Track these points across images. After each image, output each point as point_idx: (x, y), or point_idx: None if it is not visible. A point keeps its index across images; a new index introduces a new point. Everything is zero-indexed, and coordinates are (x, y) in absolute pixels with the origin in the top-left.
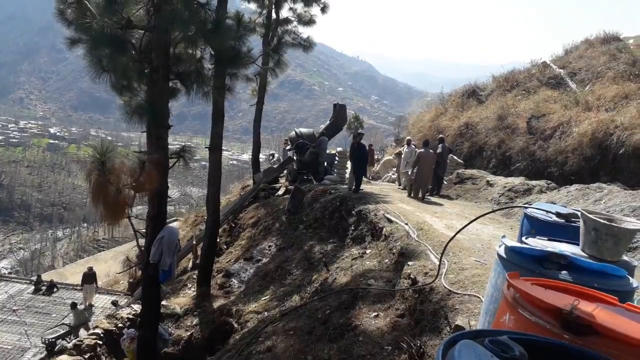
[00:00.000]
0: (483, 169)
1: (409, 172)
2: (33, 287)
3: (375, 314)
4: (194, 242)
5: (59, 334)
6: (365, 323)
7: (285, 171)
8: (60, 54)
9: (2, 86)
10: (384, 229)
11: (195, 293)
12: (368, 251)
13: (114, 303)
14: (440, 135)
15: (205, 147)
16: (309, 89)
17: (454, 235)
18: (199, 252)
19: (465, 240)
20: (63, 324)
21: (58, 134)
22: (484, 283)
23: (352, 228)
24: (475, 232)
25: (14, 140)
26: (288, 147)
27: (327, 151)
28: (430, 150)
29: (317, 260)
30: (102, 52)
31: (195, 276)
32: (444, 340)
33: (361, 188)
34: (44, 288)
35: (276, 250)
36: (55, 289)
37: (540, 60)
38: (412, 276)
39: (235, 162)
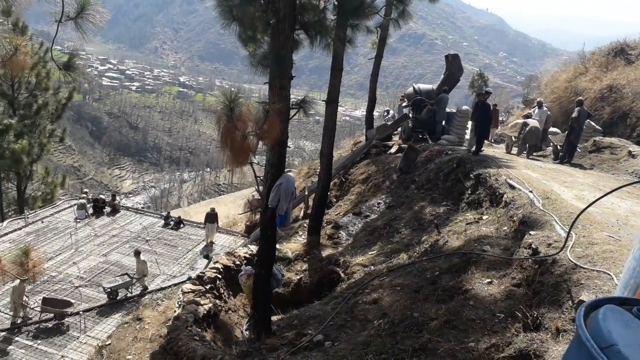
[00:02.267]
0: (625, 137)
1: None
2: (163, 222)
3: (489, 280)
4: (306, 193)
5: (119, 283)
6: (477, 288)
7: (399, 129)
8: (190, 5)
9: (140, 36)
10: (505, 195)
11: (305, 241)
12: (485, 217)
13: (206, 257)
14: (579, 98)
15: (322, 101)
16: (430, 43)
17: (588, 207)
18: (310, 203)
19: (598, 214)
20: (126, 274)
21: (187, 82)
22: (616, 260)
23: (469, 192)
24: (610, 206)
25: (149, 87)
26: (404, 104)
27: (447, 109)
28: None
29: (427, 221)
30: (233, 1)
31: (306, 225)
32: (585, 303)
33: (482, 150)
34: (172, 223)
35: (385, 207)
36: (181, 225)
37: None
38: (533, 246)
39: (347, 118)
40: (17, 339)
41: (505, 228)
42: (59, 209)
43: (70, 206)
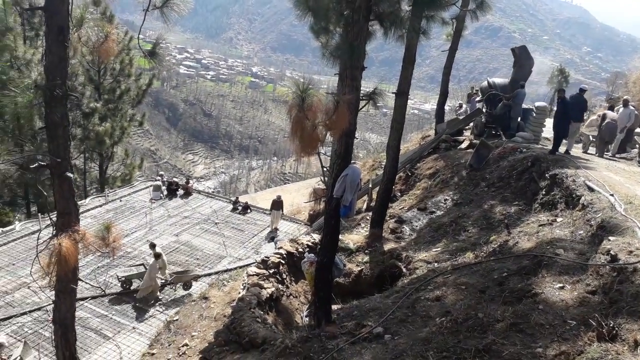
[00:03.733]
0: None
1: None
2: (231, 206)
3: (561, 285)
4: (370, 186)
5: (133, 272)
6: (548, 293)
7: (471, 124)
8: None
9: (216, 26)
10: (583, 198)
11: (367, 233)
12: (559, 219)
13: (273, 239)
14: (625, 97)
15: (392, 93)
16: (507, 36)
17: None
18: (374, 196)
19: None
20: (141, 264)
21: (258, 73)
22: None
23: (543, 192)
24: None
25: (223, 76)
26: (478, 99)
27: (523, 105)
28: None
29: (497, 221)
30: None
31: (368, 217)
32: None
33: (559, 150)
34: (239, 208)
35: (452, 204)
36: (248, 210)
37: None
38: (612, 253)
39: (416, 111)
40: (94, 308)
41: (581, 232)
42: (136, 189)
43: (147, 187)
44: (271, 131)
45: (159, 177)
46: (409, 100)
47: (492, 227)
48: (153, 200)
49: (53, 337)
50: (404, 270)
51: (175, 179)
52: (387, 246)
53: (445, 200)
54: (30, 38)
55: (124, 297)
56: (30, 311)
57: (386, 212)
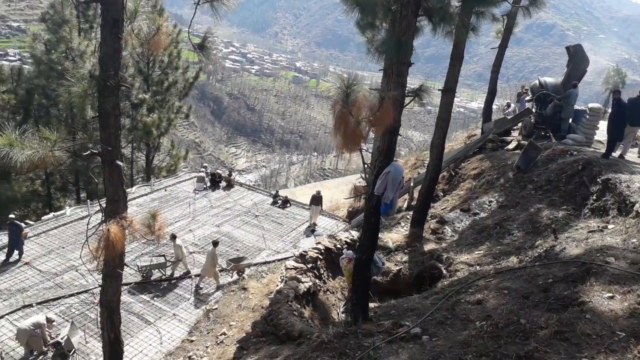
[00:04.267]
0: None
1: None
2: (271, 200)
3: (610, 294)
4: (412, 185)
5: (153, 263)
6: (596, 302)
7: (520, 124)
8: None
9: (262, 20)
10: (637, 204)
11: (407, 232)
12: (611, 226)
13: (313, 232)
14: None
15: (438, 90)
16: (560, 34)
17: None
18: (416, 195)
19: None
20: (162, 255)
21: (302, 68)
22: None
23: (594, 198)
24: None
25: (267, 70)
26: (527, 98)
27: (575, 106)
28: None
29: (543, 225)
30: None
31: (409, 217)
32: None
33: (613, 154)
34: (279, 202)
35: (497, 206)
36: (288, 205)
37: None
38: None
39: (462, 109)
40: (137, 294)
41: (635, 240)
42: (180, 180)
43: (190, 178)
44: (312, 126)
45: (203, 169)
46: (455, 98)
47: (538, 232)
48: (196, 191)
49: (99, 318)
50: (444, 271)
51: (218, 171)
52: (428, 247)
53: (490, 202)
54: (84, 30)
55: (165, 285)
56: (77, 293)
57: (428, 212)
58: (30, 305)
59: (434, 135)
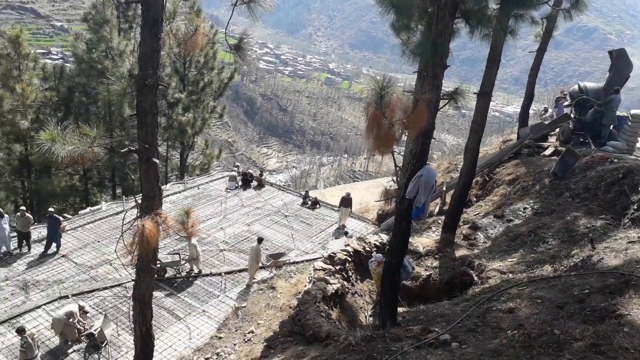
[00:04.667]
0: None
1: None
2: (301, 201)
3: None
4: (444, 189)
5: (167, 261)
6: (635, 315)
7: (557, 129)
8: None
9: (297, 22)
10: None
11: (438, 237)
12: None
13: (346, 234)
14: None
15: (474, 93)
16: (602, 38)
17: None
18: (448, 199)
19: None
20: (177, 253)
21: (335, 69)
22: None
23: (635, 207)
24: None
25: (300, 72)
26: (566, 103)
27: (617, 112)
28: None
29: (580, 234)
30: None
31: (440, 221)
32: None
33: None
34: (309, 203)
35: (532, 213)
36: (317, 206)
37: None
38: None
39: (497, 113)
40: (169, 289)
41: None
42: (213, 179)
43: (223, 177)
44: (343, 128)
45: (235, 168)
46: (490, 102)
47: (574, 241)
48: (228, 190)
49: (131, 312)
50: (476, 278)
51: (249, 171)
52: (459, 252)
53: (525, 208)
54: (124, 30)
55: (194, 281)
56: (111, 286)
57: (460, 217)
58: (66, 297)
59: (469, 139)
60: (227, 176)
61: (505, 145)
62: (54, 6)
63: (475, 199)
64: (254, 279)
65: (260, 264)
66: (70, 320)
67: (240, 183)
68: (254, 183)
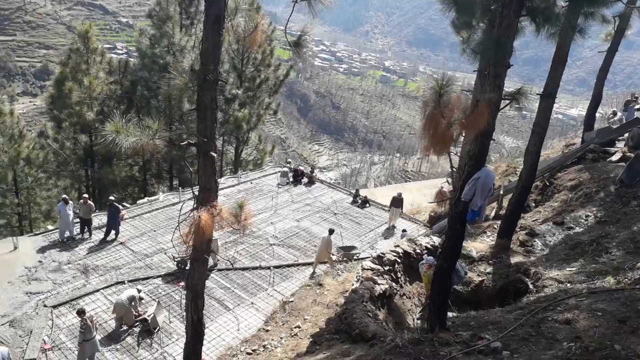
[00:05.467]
0: None
1: None
2: (351, 199)
3: None
4: (501, 192)
5: (188, 255)
6: None
7: (627, 134)
8: None
9: (354, 19)
10: None
11: (493, 242)
12: None
13: (404, 231)
14: None
15: (537, 94)
16: None
17: None
18: (505, 204)
19: None
20: None
21: (391, 67)
22: None
23: None
24: None
25: (355, 69)
26: (637, 107)
27: None
28: None
29: None
30: None
31: (496, 226)
32: None
33: None
34: (359, 201)
35: (594, 222)
36: (367, 205)
37: None
38: None
39: (560, 116)
40: (219, 280)
41: None
42: (265, 174)
43: (275, 172)
44: (397, 127)
45: (287, 164)
46: (554, 104)
47: None
48: (280, 185)
49: (184, 300)
50: (531, 286)
51: (300, 167)
52: (514, 259)
53: (587, 216)
54: (185, 26)
55: (246, 273)
56: (165, 275)
57: (517, 223)
58: (122, 282)
59: (529, 142)
60: (278, 172)
61: (568, 149)
62: (121, 3)
63: (533, 204)
64: (334, 266)
65: (332, 254)
66: (133, 303)
67: (291, 179)
68: (305, 180)
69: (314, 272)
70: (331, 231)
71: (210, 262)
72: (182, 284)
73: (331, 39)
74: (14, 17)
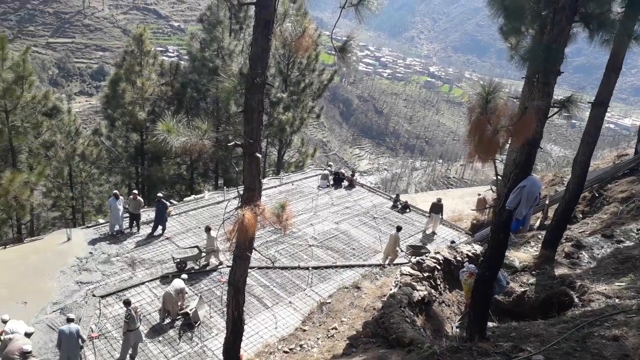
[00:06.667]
0: None
1: None
2: (391, 204)
3: None
4: (547, 202)
5: (187, 255)
6: None
7: None
8: None
9: (400, 24)
10: None
11: (537, 253)
12: None
13: (452, 242)
14: None
15: (588, 103)
16: None
17: None
18: (551, 214)
19: None
20: (196, 247)
21: (436, 73)
22: None
23: None
24: None
25: (399, 75)
26: None
27: None
28: None
29: None
30: None
31: (541, 236)
32: None
33: None
34: (399, 206)
35: None
36: (407, 210)
37: None
38: None
39: (612, 125)
40: (259, 278)
41: None
42: (307, 176)
43: (316, 175)
44: (440, 133)
45: (328, 167)
46: (606, 113)
47: None
48: (320, 188)
49: (225, 296)
50: (576, 300)
51: (341, 171)
52: (559, 271)
53: (639, 230)
54: (234, 31)
55: (285, 273)
56: (207, 270)
57: (562, 234)
58: (167, 276)
59: (578, 151)
60: (319, 174)
61: (620, 160)
62: (174, 7)
63: (581, 216)
64: (387, 263)
65: (399, 250)
66: (179, 294)
67: (331, 182)
68: (345, 183)
69: (384, 265)
70: (399, 228)
71: (214, 262)
72: (224, 279)
73: (376, 44)
74: (73, 20)
